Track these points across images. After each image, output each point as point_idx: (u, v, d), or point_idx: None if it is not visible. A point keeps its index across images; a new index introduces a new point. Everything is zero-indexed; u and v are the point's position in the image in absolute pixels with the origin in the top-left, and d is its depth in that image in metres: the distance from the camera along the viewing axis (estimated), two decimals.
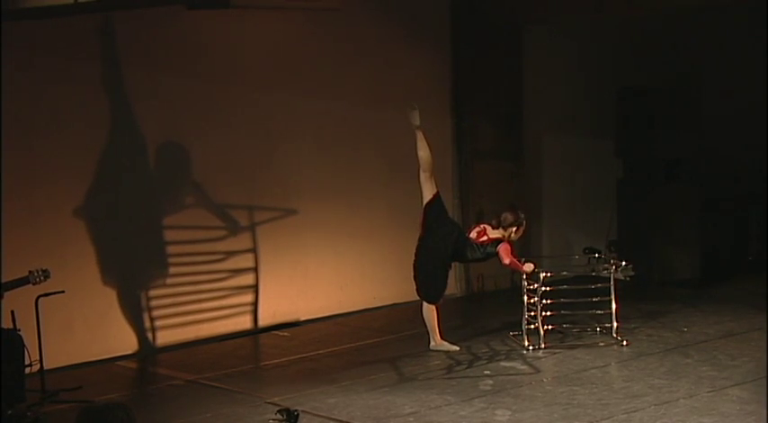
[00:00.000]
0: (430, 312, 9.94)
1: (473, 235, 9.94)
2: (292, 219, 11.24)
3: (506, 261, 9.61)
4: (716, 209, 13.06)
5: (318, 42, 11.32)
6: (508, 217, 9.93)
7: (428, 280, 9.89)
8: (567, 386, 8.80)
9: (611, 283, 10.03)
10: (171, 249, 10.53)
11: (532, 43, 12.69)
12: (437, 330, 9.98)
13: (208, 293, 10.73)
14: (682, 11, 12.03)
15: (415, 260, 9.92)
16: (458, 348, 9.97)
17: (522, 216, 9.98)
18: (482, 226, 10.02)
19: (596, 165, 13.28)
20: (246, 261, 10.98)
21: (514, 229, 9.90)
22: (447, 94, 12.30)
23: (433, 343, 10.00)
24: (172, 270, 10.54)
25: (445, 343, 9.99)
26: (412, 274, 9.93)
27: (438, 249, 9.82)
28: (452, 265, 10.10)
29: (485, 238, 9.88)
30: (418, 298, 10.02)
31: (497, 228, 9.90)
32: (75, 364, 9.83)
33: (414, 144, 12.08)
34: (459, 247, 9.85)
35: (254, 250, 11.01)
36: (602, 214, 13.11)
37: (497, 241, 9.77)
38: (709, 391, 8.49)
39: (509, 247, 9.71)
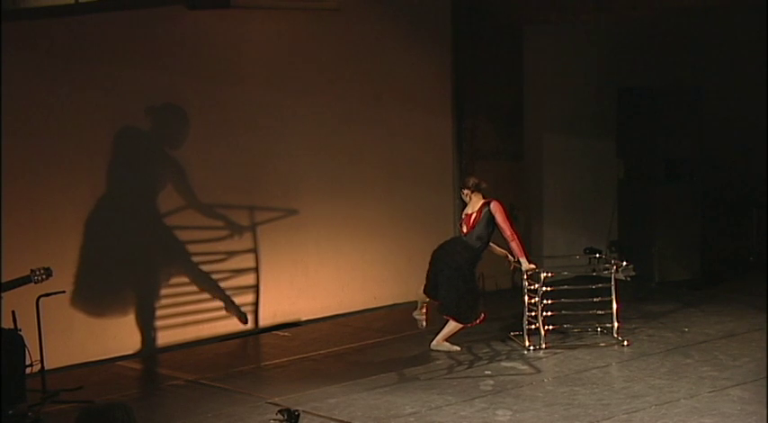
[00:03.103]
0: (457, 324, 9.92)
1: (464, 229, 9.94)
2: (293, 219, 11.24)
3: (499, 218, 9.71)
4: (717, 209, 13.06)
5: (318, 42, 11.31)
6: (481, 183, 9.96)
7: (461, 299, 9.82)
8: (568, 386, 8.80)
9: (612, 283, 10.04)
10: (172, 249, 10.53)
11: (533, 43, 12.68)
12: (448, 335, 9.95)
13: (208, 293, 10.73)
14: (682, 11, 12.02)
15: (443, 291, 9.89)
16: (458, 348, 9.97)
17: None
18: (464, 215, 10.01)
19: (597, 165, 13.28)
20: (247, 261, 10.97)
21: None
22: (447, 94, 12.29)
23: (434, 342, 9.98)
24: (172, 270, 10.53)
25: (446, 343, 9.98)
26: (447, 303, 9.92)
27: (458, 267, 9.80)
28: (472, 284, 9.98)
29: (474, 216, 9.87)
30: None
31: (474, 191, 9.91)
32: (76, 365, 9.82)
33: (414, 145, 12.19)
34: (469, 247, 9.83)
35: (254, 250, 11.00)
36: (603, 214, 13.11)
37: (486, 205, 9.79)
38: (710, 392, 8.49)
39: (500, 204, 9.80)
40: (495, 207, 9.78)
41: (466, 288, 9.84)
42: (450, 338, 9.99)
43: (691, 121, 12.46)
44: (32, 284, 8.59)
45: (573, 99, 13.13)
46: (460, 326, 9.91)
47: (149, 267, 10.45)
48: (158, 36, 10.35)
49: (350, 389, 8.93)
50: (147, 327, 10.41)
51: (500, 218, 9.77)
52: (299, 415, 7.82)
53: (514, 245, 9.80)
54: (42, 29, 9.64)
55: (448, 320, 9.94)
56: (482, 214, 9.81)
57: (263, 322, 11.10)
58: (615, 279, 10.04)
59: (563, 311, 10.13)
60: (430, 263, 9.99)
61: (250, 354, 10.64)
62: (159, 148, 10.48)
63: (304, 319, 11.35)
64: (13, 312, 8.40)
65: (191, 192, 10.58)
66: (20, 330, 8.41)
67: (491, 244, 10.04)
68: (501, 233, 9.84)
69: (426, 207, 12.05)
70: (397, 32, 11.82)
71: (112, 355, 10.13)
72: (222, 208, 10.80)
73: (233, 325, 10.90)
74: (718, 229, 13.14)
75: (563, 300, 10.04)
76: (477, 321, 9.95)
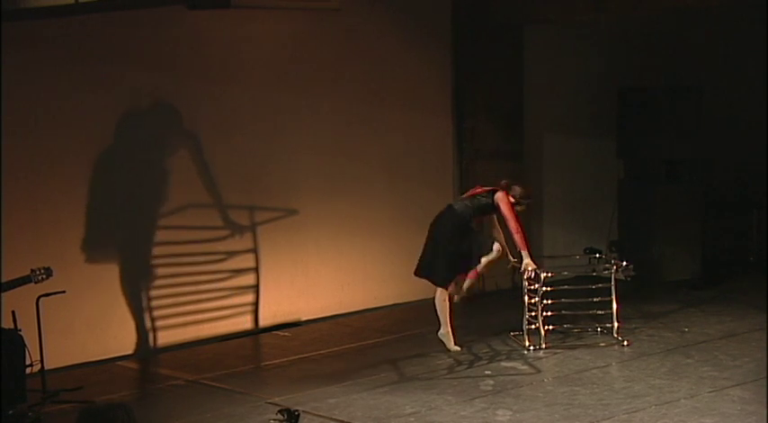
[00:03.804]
0: (441, 302, 9.87)
1: (464, 196, 9.94)
2: (293, 218, 11.24)
3: (503, 208, 9.63)
4: (717, 209, 13.06)
5: (318, 42, 11.31)
6: (517, 188, 9.88)
7: (434, 261, 9.79)
8: (568, 386, 8.80)
9: (612, 283, 10.03)
10: (171, 249, 10.52)
11: (533, 43, 12.68)
12: (447, 320, 9.91)
13: (208, 293, 10.73)
14: (682, 11, 12.02)
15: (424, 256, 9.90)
16: (459, 348, 9.96)
17: (529, 197, 9.95)
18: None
19: (597, 165, 13.28)
20: (247, 261, 10.97)
21: (515, 201, 9.82)
22: (447, 94, 12.30)
23: (442, 330, 9.94)
24: (172, 270, 10.53)
25: (452, 337, 9.93)
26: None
27: (441, 231, 9.76)
28: (459, 245, 9.83)
29: (479, 190, 9.87)
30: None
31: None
32: (76, 364, 9.83)
33: (414, 145, 12.18)
34: (456, 215, 9.78)
35: (254, 250, 11.00)
36: (603, 214, 13.10)
37: (493, 191, 9.76)
38: (710, 392, 8.49)
39: (506, 196, 9.71)
40: (499, 196, 9.73)
41: (442, 251, 9.74)
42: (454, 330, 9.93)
43: (691, 121, 12.45)
44: (32, 284, 8.60)
45: (573, 99, 13.12)
46: (444, 299, 9.79)
47: (149, 267, 10.44)
48: (158, 36, 10.35)
49: (350, 389, 8.93)
50: (147, 327, 10.41)
51: (504, 208, 9.70)
52: (299, 415, 7.84)
53: (518, 237, 9.69)
54: (42, 29, 9.64)
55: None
56: (486, 193, 9.80)
57: (263, 322, 11.10)
58: (615, 279, 10.04)
59: (563, 311, 10.12)
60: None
61: (250, 354, 10.64)
62: (159, 148, 10.48)
63: (304, 319, 11.35)
64: (13, 312, 8.40)
65: (190, 191, 10.59)
66: (20, 330, 8.41)
67: (498, 229, 10.03)
68: (506, 224, 9.79)
69: (427, 207, 11.97)
70: (397, 32, 11.82)
71: (112, 355, 10.13)
72: (222, 208, 10.80)
73: (233, 325, 10.90)
74: (718, 229, 13.12)
75: (563, 300, 10.03)
76: (449, 287, 9.81)
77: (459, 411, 8.26)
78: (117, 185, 10.20)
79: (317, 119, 11.35)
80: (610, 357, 9.61)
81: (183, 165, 10.55)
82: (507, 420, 8.04)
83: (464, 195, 10.07)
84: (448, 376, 9.30)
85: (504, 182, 9.93)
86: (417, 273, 9.98)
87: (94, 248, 10.09)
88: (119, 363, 10.09)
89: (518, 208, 9.85)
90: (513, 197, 9.81)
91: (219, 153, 10.73)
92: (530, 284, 9.94)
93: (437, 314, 9.90)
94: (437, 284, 9.86)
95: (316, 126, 11.35)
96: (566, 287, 10.16)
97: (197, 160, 10.60)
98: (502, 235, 10.11)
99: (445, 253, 9.78)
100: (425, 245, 9.89)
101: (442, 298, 9.87)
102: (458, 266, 9.86)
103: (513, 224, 9.71)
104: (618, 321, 10.08)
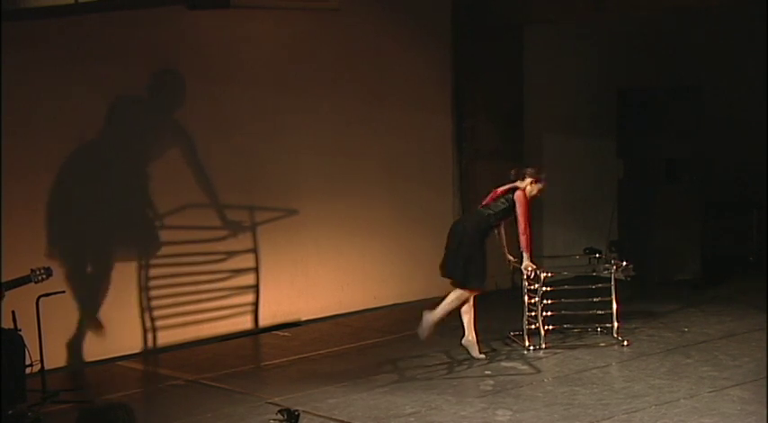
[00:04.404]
0: (458, 301, 9.71)
1: (484, 201, 9.89)
2: (293, 218, 11.24)
3: (519, 208, 9.58)
4: (717, 209, 13.06)
5: (318, 42, 11.31)
6: (530, 169, 9.84)
7: (465, 264, 9.63)
8: (568, 386, 8.80)
9: (612, 283, 10.04)
10: (171, 249, 10.53)
11: (533, 43, 12.68)
12: (444, 314, 9.79)
13: (208, 293, 10.73)
14: (682, 11, 12.03)
15: (450, 260, 9.76)
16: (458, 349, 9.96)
17: (544, 174, 9.91)
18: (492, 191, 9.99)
19: (596, 165, 13.28)
20: (247, 261, 10.97)
21: (532, 181, 9.73)
22: (447, 94, 12.30)
23: (467, 336, 9.81)
24: (172, 270, 10.53)
25: (433, 317, 9.67)
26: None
27: (464, 232, 9.67)
28: (478, 249, 9.69)
29: (500, 191, 9.79)
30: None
31: (516, 179, 9.78)
32: (76, 364, 9.82)
33: (414, 145, 12.17)
34: (479, 221, 9.73)
35: (254, 250, 11.01)
36: (603, 214, 13.10)
37: (513, 190, 9.71)
38: (709, 392, 8.49)
39: (524, 195, 9.67)
40: (517, 196, 9.71)
41: (467, 253, 9.61)
42: (447, 317, 9.81)
43: (691, 121, 12.44)
44: (32, 284, 8.60)
45: (573, 99, 13.12)
46: (457, 301, 9.73)
47: (149, 267, 10.44)
48: (158, 36, 10.35)
49: (350, 389, 8.93)
50: (147, 327, 10.41)
51: (519, 208, 9.65)
52: (298, 415, 7.85)
53: (523, 238, 9.65)
54: (42, 29, 9.64)
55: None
56: (505, 193, 9.75)
57: (263, 322, 11.10)
58: (615, 279, 10.04)
59: (563, 311, 10.13)
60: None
61: (250, 354, 10.64)
62: (159, 148, 10.48)
63: (304, 319, 11.35)
64: (13, 312, 8.40)
65: (191, 191, 10.59)
66: (20, 330, 8.41)
67: (501, 233, 10.00)
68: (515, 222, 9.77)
69: (426, 207, 12.05)
70: (397, 32, 11.82)
71: (112, 355, 10.13)
72: (222, 207, 10.80)
73: (233, 325, 10.91)
74: (719, 229, 13.13)
75: (563, 300, 10.04)
76: (478, 291, 9.70)
77: (459, 411, 8.26)
78: (116, 185, 10.20)
79: (316, 119, 11.35)
80: (610, 357, 9.61)
81: (182, 164, 10.55)
82: (507, 420, 8.05)
83: (484, 202, 9.95)
84: (448, 376, 9.30)
85: (513, 171, 9.87)
86: (442, 273, 9.83)
87: (94, 248, 10.09)
88: (119, 363, 10.09)
89: (540, 185, 9.81)
90: (530, 178, 9.75)
91: (219, 153, 10.74)
92: (530, 284, 9.95)
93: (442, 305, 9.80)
94: (466, 289, 9.64)
95: (316, 126, 11.35)
96: (566, 287, 10.17)
97: (197, 160, 10.61)
98: (505, 246, 10.09)
99: (471, 256, 9.72)
100: (447, 247, 9.73)
101: (461, 298, 9.71)
102: (474, 269, 9.79)
103: (522, 226, 9.68)
104: (618, 321, 10.09)
